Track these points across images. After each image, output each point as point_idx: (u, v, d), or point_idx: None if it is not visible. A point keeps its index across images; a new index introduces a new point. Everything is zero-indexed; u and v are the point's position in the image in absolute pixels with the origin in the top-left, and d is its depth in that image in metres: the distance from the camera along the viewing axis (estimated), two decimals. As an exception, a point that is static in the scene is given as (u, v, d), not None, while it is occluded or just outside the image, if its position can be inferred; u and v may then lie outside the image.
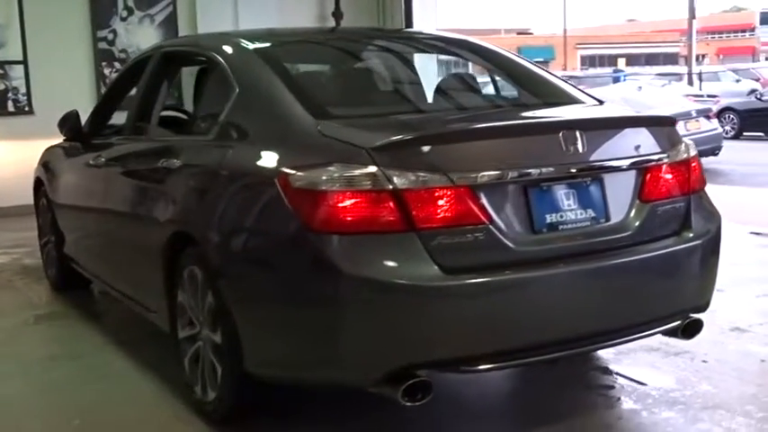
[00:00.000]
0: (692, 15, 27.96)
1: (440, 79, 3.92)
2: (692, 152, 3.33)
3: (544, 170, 2.92)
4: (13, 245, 7.46)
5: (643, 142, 3.18)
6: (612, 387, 3.67)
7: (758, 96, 19.48)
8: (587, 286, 2.94)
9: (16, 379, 4.13)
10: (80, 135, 4.98)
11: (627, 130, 3.19)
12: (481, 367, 2.86)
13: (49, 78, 9.29)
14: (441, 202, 2.76)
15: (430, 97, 3.84)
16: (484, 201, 2.81)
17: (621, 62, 56.59)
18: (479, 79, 4.00)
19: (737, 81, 27.74)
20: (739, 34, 66.52)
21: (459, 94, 3.74)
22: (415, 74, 4.45)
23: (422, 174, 2.75)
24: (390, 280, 2.70)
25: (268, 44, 3.80)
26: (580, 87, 3.86)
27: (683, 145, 3.30)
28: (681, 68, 32.72)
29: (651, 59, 57.36)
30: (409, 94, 4.03)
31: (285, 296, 2.92)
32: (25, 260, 6.83)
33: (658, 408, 3.43)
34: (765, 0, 65.62)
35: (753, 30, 65.66)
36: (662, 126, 3.29)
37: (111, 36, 9.73)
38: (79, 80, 9.59)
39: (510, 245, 2.84)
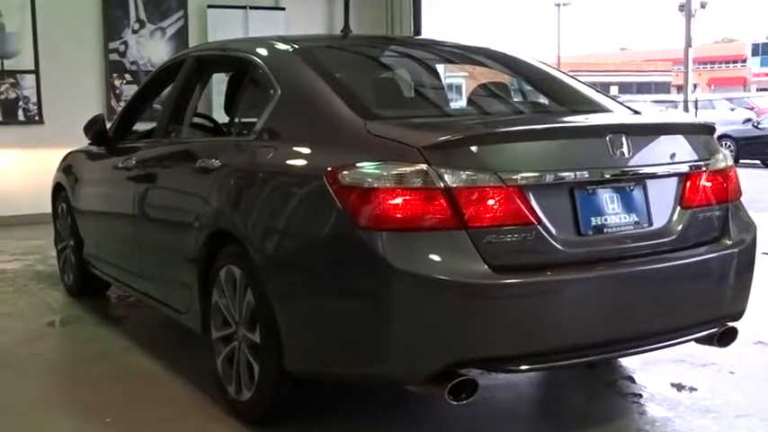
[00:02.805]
0: (689, 44, 28.28)
1: (473, 87, 3.96)
2: (730, 161, 3.38)
3: (591, 173, 2.96)
4: (24, 252, 7.46)
5: (685, 149, 3.23)
6: (642, 395, 3.69)
7: (755, 124, 19.68)
8: (630, 290, 2.97)
9: (44, 378, 4.13)
10: (106, 139, 5.00)
11: (670, 137, 3.24)
12: (525, 367, 2.88)
13: (60, 88, 9.32)
14: (491, 202, 2.79)
15: (464, 103, 3.92)
16: (532, 201, 2.84)
17: (614, 90, 57.05)
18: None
19: (732, 110, 28.02)
20: (731, 65, 67.22)
21: (494, 100, 3.79)
22: (439, 80, 4.52)
23: (472, 173, 2.78)
24: (440, 276, 2.72)
25: (307, 47, 3.84)
26: (614, 97, 3.91)
27: (722, 154, 3.35)
28: (676, 96, 33.01)
29: (643, 88, 57.81)
30: (447, 99, 4.09)
31: (333, 292, 2.95)
32: (38, 266, 6.83)
33: (691, 416, 3.46)
34: (756, 32, 66.34)
35: (744, 61, 66.39)
36: (702, 134, 3.35)
37: (122, 48, 9.77)
38: (90, 91, 9.62)
39: (557, 246, 2.87)
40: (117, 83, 9.77)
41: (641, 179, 3.08)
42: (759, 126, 19.08)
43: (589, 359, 2.97)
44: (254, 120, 3.64)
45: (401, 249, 2.76)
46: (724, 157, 3.35)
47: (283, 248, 3.16)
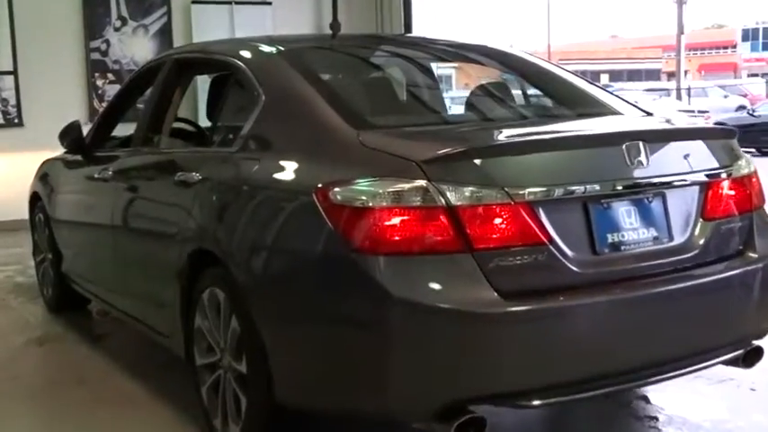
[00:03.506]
0: (681, 31, 28.05)
1: (472, 89, 3.69)
2: (753, 167, 3.12)
3: (606, 185, 2.70)
4: (3, 262, 7.17)
5: (705, 156, 2.97)
6: (658, 418, 3.43)
7: (750, 112, 19.46)
8: (651, 312, 2.70)
9: (22, 404, 3.88)
10: (83, 147, 4.71)
11: (689, 143, 2.97)
12: (538, 402, 2.61)
13: (40, 89, 9.01)
14: (498, 220, 2.53)
15: (462, 108, 3.63)
16: (543, 219, 2.58)
17: (605, 78, 56.78)
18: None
19: (725, 97, 27.82)
20: (721, 51, 67.01)
21: (496, 104, 3.52)
22: (435, 82, 4.25)
23: (477, 189, 2.52)
24: (443, 305, 2.46)
25: (293, 49, 3.56)
26: (624, 97, 3.64)
27: (744, 159, 3.09)
28: (669, 84, 32.81)
29: (633, 75, 57.60)
30: (444, 103, 3.81)
31: (325, 322, 2.68)
32: (18, 278, 6.54)
33: (714, 440, 3.22)
34: (746, 17, 66.21)
35: (734, 46, 66.18)
36: (724, 139, 3.08)
37: (104, 46, 9.47)
38: (71, 91, 9.32)
39: (571, 267, 2.61)
40: (99, 83, 9.47)
41: (660, 190, 2.82)
42: (754, 114, 18.85)
43: (608, 390, 2.71)
44: (238, 127, 3.37)
45: (399, 275, 2.49)
46: (747, 163, 3.09)
47: (270, 272, 2.89)
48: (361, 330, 2.57)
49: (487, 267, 2.50)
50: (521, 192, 2.55)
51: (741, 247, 2.99)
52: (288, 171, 2.93)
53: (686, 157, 2.92)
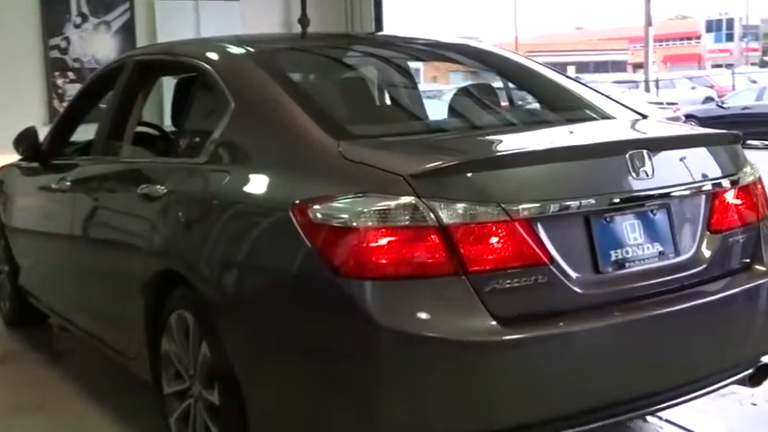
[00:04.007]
0: (649, 23, 28.04)
1: (454, 92, 3.45)
2: (758, 173, 2.92)
3: (609, 198, 2.48)
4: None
5: (710, 163, 2.77)
6: (659, 436, 3.25)
7: (720, 104, 19.46)
8: (660, 334, 2.49)
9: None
10: (39, 154, 4.41)
11: (693, 150, 2.76)
12: None
13: (-4, 89, 8.63)
14: (495, 240, 2.31)
15: (440, 108, 3.39)
16: (543, 236, 2.36)
17: (571, 70, 56.93)
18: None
19: (693, 88, 27.86)
20: (685, 42, 67.49)
21: (481, 108, 3.29)
22: (415, 85, 4.00)
23: (471, 205, 2.29)
24: (438, 334, 2.24)
25: (263, 51, 3.31)
26: (618, 99, 3.44)
27: (749, 167, 2.89)
28: (637, 75, 32.81)
29: (600, 67, 57.77)
30: (425, 109, 3.56)
31: (306, 351, 2.43)
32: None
33: (718, 460, 3.03)
34: (710, 8, 66.73)
35: (698, 38, 66.68)
36: (728, 144, 2.88)
37: (64, 44, 9.08)
38: (30, 91, 8.91)
39: (573, 288, 2.39)
40: (59, 82, 9.08)
41: (665, 201, 2.61)
42: (724, 105, 18.85)
43: (615, 419, 2.50)
44: (206, 135, 3.12)
45: (387, 302, 2.26)
46: (753, 170, 2.89)
47: (243, 296, 2.64)
48: (346, 362, 2.34)
49: (483, 291, 2.28)
50: (518, 208, 2.32)
51: (748, 261, 2.79)
52: (261, 185, 2.68)
53: (691, 165, 2.71)
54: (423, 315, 2.25)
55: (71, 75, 9.14)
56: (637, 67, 55.15)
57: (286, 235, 2.45)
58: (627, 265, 2.52)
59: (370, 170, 2.40)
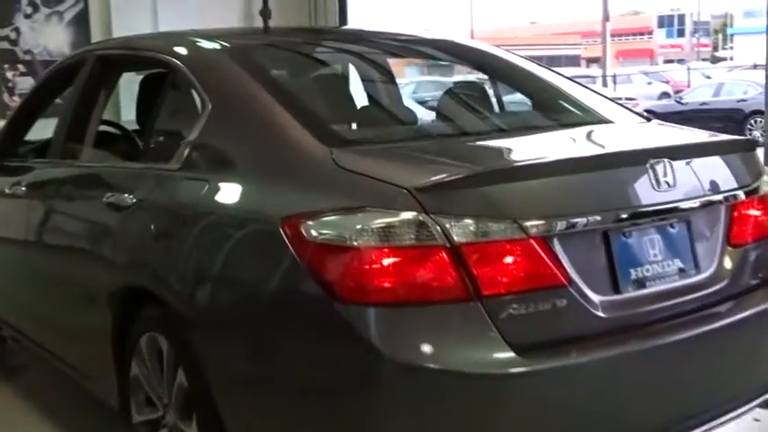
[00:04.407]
0: (606, 17, 28.12)
1: (442, 93, 3.22)
2: None
3: (630, 211, 2.28)
4: None
5: (728, 172, 2.57)
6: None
7: (677, 100, 19.53)
8: (686, 358, 2.29)
9: None
10: (-10, 156, 4.09)
11: (712, 158, 2.56)
12: None
13: (-59, 83, 8.19)
14: (510, 259, 2.08)
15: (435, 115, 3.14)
16: (561, 255, 2.14)
17: (526, 64, 56.87)
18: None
19: (649, 83, 27.99)
20: (638, 37, 68.17)
21: (474, 111, 3.05)
22: (396, 85, 3.76)
23: (484, 222, 2.07)
24: (449, 367, 2.00)
25: (239, 46, 3.04)
26: (614, 97, 3.24)
27: None
28: (594, 71, 32.93)
29: (554, 61, 57.88)
30: (414, 111, 3.30)
31: (297, 384, 2.19)
32: None
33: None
34: (662, 4, 67.47)
35: (650, 33, 67.40)
36: (745, 151, 2.69)
37: (13, 35, 8.65)
38: (-24, 85, 8.51)
39: (593, 312, 2.18)
40: (9, 74, 8.64)
41: (685, 214, 2.41)
42: (682, 101, 18.92)
43: None
44: (178, 138, 2.86)
45: (391, 330, 2.03)
46: None
47: (226, 321, 2.38)
48: (344, 397, 2.10)
49: (498, 318, 2.05)
50: (535, 224, 2.10)
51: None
52: (245, 196, 2.42)
53: (710, 173, 2.51)
54: (431, 345, 2.02)
55: (21, 67, 8.71)
56: (590, 61, 55.54)
57: (275, 253, 2.20)
58: (647, 284, 2.31)
59: (369, 182, 2.16)
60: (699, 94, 19.66)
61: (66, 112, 3.56)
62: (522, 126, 2.97)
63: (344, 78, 3.16)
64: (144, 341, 2.72)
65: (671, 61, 55.32)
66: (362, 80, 3.36)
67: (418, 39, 3.66)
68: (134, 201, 2.77)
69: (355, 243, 2.04)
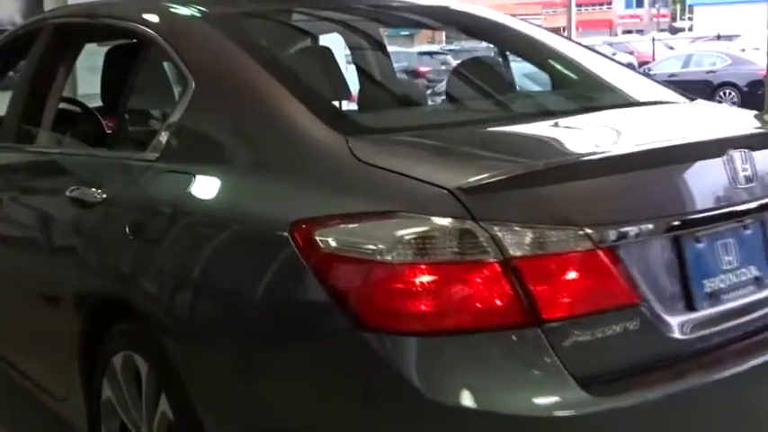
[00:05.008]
0: (571, -13, 27.65)
1: (454, 66, 2.81)
2: None
3: (706, 212, 1.91)
4: None
5: None
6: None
7: (645, 72, 19.30)
8: (762, 385, 1.95)
9: None
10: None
11: None
12: None
13: None
14: (575, 275, 1.71)
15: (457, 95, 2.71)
16: (630, 267, 1.77)
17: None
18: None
19: (614, 54, 27.73)
20: (597, 7, 68.12)
21: (498, 90, 2.64)
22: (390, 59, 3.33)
23: (545, 230, 1.69)
24: (504, 410, 1.63)
25: (223, 14, 2.60)
26: (644, 72, 2.87)
27: None
28: (558, 41, 32.39)
29: (514, 32, 57.65)
30: (424, 90, 2.88)
31: (307, 425, 1.81)
32: None
33: None
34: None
35: (609, 3, 67.38)
36: None
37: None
38: None
39: (668, 334, 1.81)
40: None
41: (760, 214, 2.05)
42: (650, 73, 18.69)
43: None
44: (154, 121, 2.43)
45: (433, 366, 1.65)
46: None
47: (221, 345, 1.98)
48: None
49: (561, 346, 1.67)
50: (603, 231, 1.72)
51: None
52: (240, 194, 2.01)
53: None
54: (482, 382, 1.64)
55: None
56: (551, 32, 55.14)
57: (281, 264, 1.81)
58: (722, 297, 1.95)
59: (399, 180, 1.76)
60: (667, 66, 19.46)
61: (19, 91, 3.09)
62: (561, 109, 2.52)
63: (351, 53, 2.73)
64: (118, 362, 2.31)
65: (629, 32, 55.31)
66: (364, 55, 2.93)
67: (413, 6, 3.22)
68: (103, 197, 2.34)
69: (386, 257, 1.65)
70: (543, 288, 1.67)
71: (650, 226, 1.80)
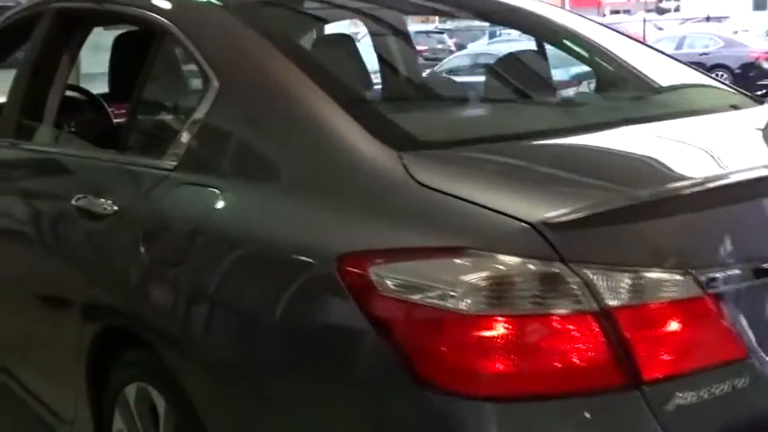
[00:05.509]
0: (563, -32, 27.22)
1: (492, 63, 2.46)
2: None
3: None
4: None
5: None
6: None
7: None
8: None
9: None
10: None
11: None
12: None
13: None
14: (677, 326, 1.39)
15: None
16: (736, 315, 1.46)
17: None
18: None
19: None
20: (585, -13, 67.48)
21: (549, 92, 2.30)
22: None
23: (650, 274, 1.37)
24: None
25: (243, 3, 2.24)
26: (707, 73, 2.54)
27: None
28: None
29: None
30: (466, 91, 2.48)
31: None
32: None
33: None
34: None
35: (598, -17, 66.76)
36: None
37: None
38: None
39: None
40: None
41: None
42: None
43: None
44: (172, 124, 2.10)
45: None
46: None
47: (248, 387, 1.66)
48: None
49: (663, 410, 1.36)
50: (713, 275, 1.41)
51: None
52: (276, 216, 1.67)
53: None
54: None
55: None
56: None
57: (326, 302, 1.51)
58: None
59: (468, 208, 1.44)
60: (660, 47, 19.00)
61: (19, 80, 2.73)
62: (636, 116, 2.08)
63: (386, 49, 2.36)
64: (131, 393, 2.00)
65: (617, 12, 54.69)
66: (407, 52, 2.54)
67: None
68: (114, 209, 2.01)
69: (456, 305, 1.34)
70: (644, 343, 1.36)
71: (753, 266, 1.47)
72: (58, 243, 2.29)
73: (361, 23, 2.70)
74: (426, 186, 1.50)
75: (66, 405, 2.39)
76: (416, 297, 1.38)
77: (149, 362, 1.92)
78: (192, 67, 2.04)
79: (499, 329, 1.33)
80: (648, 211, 1.43)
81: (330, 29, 2.46)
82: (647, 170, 1.68)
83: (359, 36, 2.66)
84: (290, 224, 1.63)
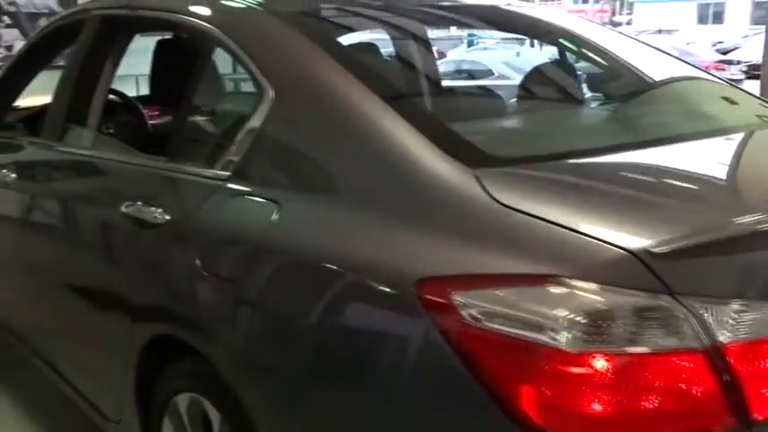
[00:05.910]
0: (534, -15, 26.84)
1: (527, 74, 2.19)
2: None
3: None
4: None
5: None
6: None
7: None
8: None
9: None
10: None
11: None
12: None
13: None
14: (786, 362, 1.15)
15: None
16: None
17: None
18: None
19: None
20: (547, 2, 67.22)
21: (600, 104, 2.03)
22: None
23: (761, 307, 1.12)
24: None
25: (300, 10, 1.96)
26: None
27: None
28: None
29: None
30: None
31: None
32: None
33: None
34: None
35: (560, -1, 66.52)
36: None
37: (-3, -17, 7.28)
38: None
39: None
40: (-7, 27, 7.30)
41: None
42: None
43: None
44: (225, 132, 1.82)
45: None
46: None
47: (316, 417, 1.41)
48: None
49: None
50: None
51: None
52: (344, 234, 1.40)
53: None
54: None
55: (6, 19, 7.36)
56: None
57: (401, 328, 1.24)
58: None
59: (558, 232, 1.18)
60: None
61: (63, 86, 2.44)
62: (701, 130, 1.78)
63: (426, 63, 2.05)
64: (182, 403, 1.74)
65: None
66: (432, 65, 2.24)
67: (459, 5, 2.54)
68: (166, 218, 1.73)
69: (552, 339, 1.08)
70: (754, 380, 1.11)
71: None
72: (107, 249, 2.01)
73: (397, 37, 2.42)
74: (508, 207, 1.24)
75: (112, 405, 2.13)
76: (506, 328, 1.13)
77: (203, 373, 1.66)
78: (245, 75, 1.77)
79: (602, 367, 1.08)
80: (758, 240, 1.18)
81: (368, 39, 2.17)
82: (744, 191, 1.43)
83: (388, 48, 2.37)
84: (358, 243, 1.35)
